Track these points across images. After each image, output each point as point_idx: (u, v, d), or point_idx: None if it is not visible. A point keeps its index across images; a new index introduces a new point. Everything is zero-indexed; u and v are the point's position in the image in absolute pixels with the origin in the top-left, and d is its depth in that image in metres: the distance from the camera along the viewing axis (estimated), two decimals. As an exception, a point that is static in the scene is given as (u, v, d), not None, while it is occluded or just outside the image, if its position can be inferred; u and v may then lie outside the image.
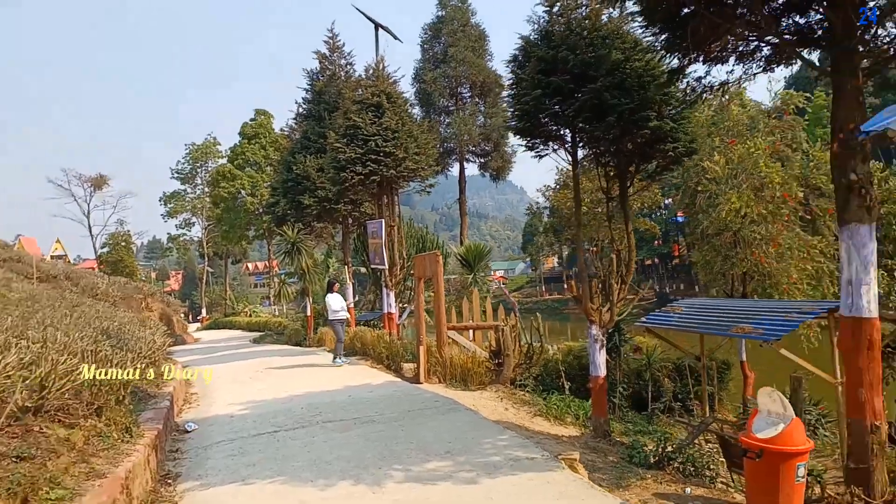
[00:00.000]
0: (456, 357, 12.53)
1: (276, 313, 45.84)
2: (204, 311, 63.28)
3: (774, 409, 5.50)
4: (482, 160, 40.24)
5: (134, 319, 13.33)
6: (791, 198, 11.82)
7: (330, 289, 15.04)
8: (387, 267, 16.91)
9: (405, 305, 22.09)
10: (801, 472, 5.30)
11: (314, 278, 24.15)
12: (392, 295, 17.25)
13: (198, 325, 54.36)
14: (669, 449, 7.03)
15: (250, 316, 45.79)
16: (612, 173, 9.02)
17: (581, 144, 8.66)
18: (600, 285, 8.82)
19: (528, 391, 11.99)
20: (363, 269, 27.47)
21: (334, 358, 14.35)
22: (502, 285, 24.13)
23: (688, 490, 6.11)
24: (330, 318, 14.71)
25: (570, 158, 8.69)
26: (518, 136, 8.54)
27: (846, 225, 5.65)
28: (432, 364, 12.83)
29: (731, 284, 12.90)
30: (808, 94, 13.44)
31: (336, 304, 14.65)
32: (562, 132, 8.48)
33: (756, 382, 13.40)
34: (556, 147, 8.67)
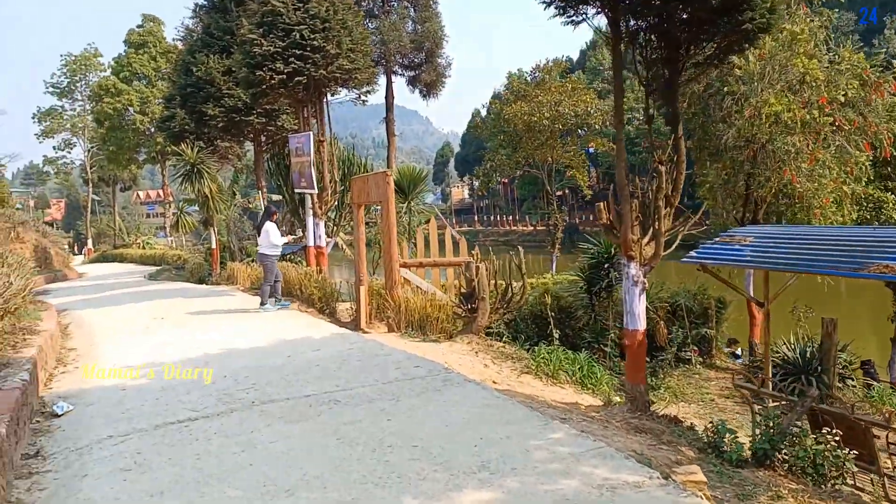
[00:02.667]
0: (412, 300, 10.24)
1: (174, 245, 41.85)
2: (90, 242, 57.84)
3: None
4: (412, 73, 35.72)
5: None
6: (829, 103, 9.82)
7: (269, 216, 12.17)
8: (316, 190, 13.99)
9: (330, 238, 19.23)
10: None
11: (219, 206, 20.73)
12: (322, 225, 14.45)
13: (82, 257, 49.86)
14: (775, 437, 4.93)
15: (144, 248, 41.74)
16: (654, 56, 6.60)
17: (624, 13, 6.18)
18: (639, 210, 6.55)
19: (505, 341, 9.85)
20: (275, 196, 24.26)
21: (276, 301, 11.88)
22: (440, 214, 21.56)
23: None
24: (266, 252, 11.85)
25: (609, 30, 6.21)
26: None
27: None
28: (377, 308, 10.51)
29: (742, 210, 10.96)
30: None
31: (276, 236, 11.88)
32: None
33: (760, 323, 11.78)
34: (597, 10, 6.13)
